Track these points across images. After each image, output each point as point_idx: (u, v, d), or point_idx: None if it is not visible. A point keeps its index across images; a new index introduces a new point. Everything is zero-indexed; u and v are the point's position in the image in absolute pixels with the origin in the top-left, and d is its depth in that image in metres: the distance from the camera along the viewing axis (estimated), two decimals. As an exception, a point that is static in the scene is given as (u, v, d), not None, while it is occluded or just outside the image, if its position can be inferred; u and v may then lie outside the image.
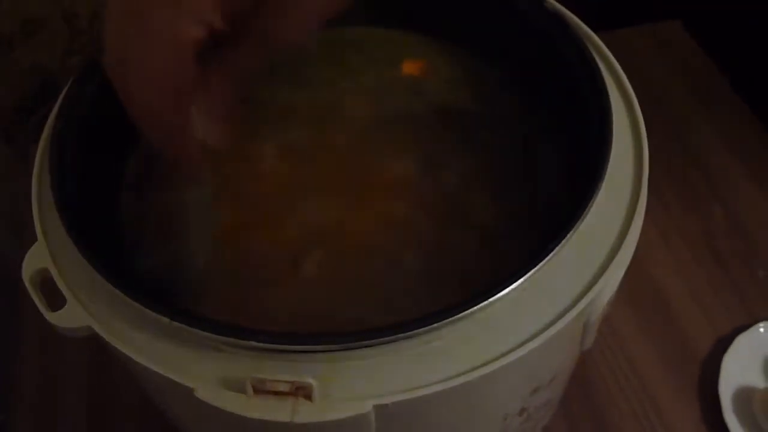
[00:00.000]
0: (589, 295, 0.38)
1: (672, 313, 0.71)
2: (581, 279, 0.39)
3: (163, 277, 0.45)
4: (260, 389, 0.34)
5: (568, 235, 0.38)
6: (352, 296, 0.45)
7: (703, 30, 0.92)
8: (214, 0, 0.32)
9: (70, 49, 0.93)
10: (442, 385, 0.35)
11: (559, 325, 0.37)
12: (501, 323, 0.37)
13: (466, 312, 0.35)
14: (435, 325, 0.35)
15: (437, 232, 0.47)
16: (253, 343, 0.35)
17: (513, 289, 0.36)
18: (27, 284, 0.40)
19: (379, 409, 0.34)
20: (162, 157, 0.50)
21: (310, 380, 0.34)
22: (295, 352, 0.35)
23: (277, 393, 0.34)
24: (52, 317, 0.39)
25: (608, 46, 0.48)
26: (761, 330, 0.67)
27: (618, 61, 0.48)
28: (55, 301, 0.40)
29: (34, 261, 0.41)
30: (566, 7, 0.49)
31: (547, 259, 0.37)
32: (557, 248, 0.37)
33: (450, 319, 0.35)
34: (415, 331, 0.35)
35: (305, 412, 0.34)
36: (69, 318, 0.39)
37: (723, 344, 0.67)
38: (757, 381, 0.65)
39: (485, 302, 0.36)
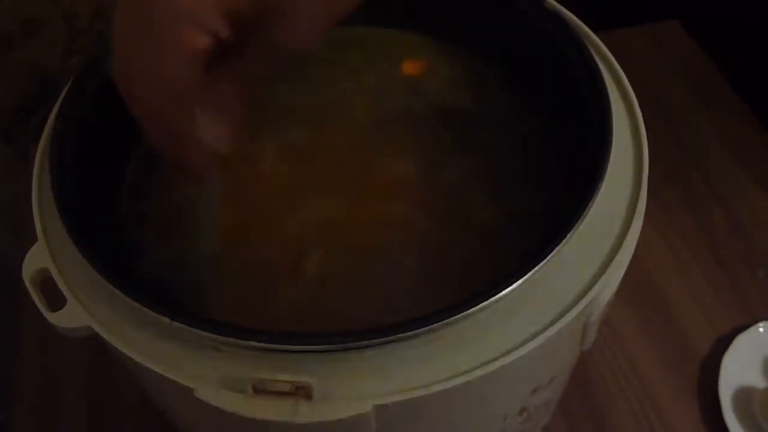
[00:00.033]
0: (589, 296, 0.38)
1: (672, 313, 0.71)
2: (581, 279, 0.39)
3: (163, 278, 0.45)
4: (260, 389, 0.34)
5: (568, 236, 0.38)
6: (352, 296, 0.45)
7: (702, 30, 0.93)
8: (219, 9, 0.32)
9: (70, 49, 0.93)
10: (442, 385, 0.35)
11: (559, 325, 0.37)
12: (501, 323, 0.37)
13: (467, 312, 0.35)
14: (435, 325, 0.35)
15: (437, 232, 0.47)
16: (254, 343, 0.35)
17: (513, 290, 0.36)
18: (27, 284, 0.40)
19: (380, 409, 0.35)
20: (162, 158, 0.50)
21: (310, 380, 0.34)
22: (295, 352, 0.35)
23: (277, 393, 0.34)
24: (52, 317, 0.39)
25: (608, 46, 0.48)
26: (761, 330, 0.67)
27: (617, 61, 0.48)
28: (56, 301, 0.40)
29: (35, 261, 0.41)
30: (566, 7, 0.49)
31: (547, 259, 0.37)
32: (557, 248, 0.37)
33: (450, 319, 0.35)
34: (416, 331, 0.35)
35: (305, 412, 0.34)
36: (69, 318, 0.39)
37: (723, 344, 0.67)
38: (756, 381, 0.65)
39: (485, 302, 0.36)
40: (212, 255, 0.46)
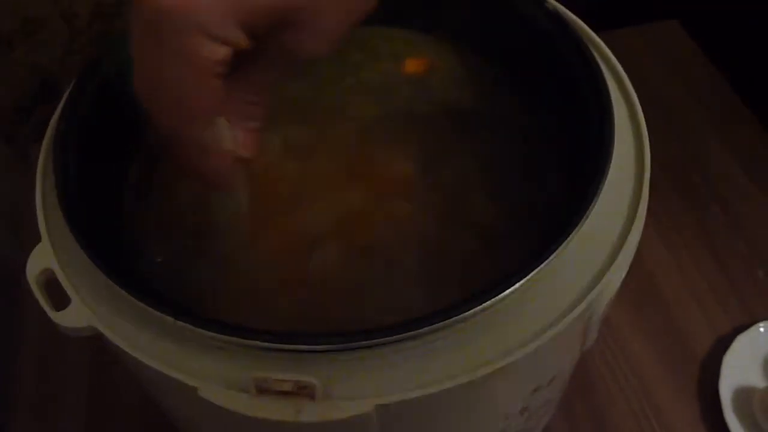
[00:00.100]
0: (591, 296, 0.38)
1: (672, 313, 0.71)
2: (582, 279, 0.39)
3: (166, 277, 0.45)
4: (263, 389, 0.34)
5: (570, 236, 0.38)
6: (352, 296, 0.45)
7: (702, 30, 0.93)
8: (236, 20, 0.32)
9: (70, 49, 0.93)
10: (445, 385, 0.35)
11: (561, 325, 0.37)
12: (503, 323, 0.37)
13: (469, 312, 0.35)
14: (438, 325, 0.35)
15: (438, 231, 0.47)
16: (257, 343, 0.35)
17: (515, 290, 0.36)
18: (31, 284, 0.40)
19: (382, 408, 0.35)
20: (164, 158, 0.50)
21: (314, 380, 0.34)
22: (298, 351, 0.35)
23: (280, 393, 0.34)
24: (56, 317, 0.39)
25: (608, 46, 0.48)
26: (761, 330, 0.67)
27: (617, 61, 0.48)
28: (57, 301, 0.40)
29: (38, 261, 0.41)
30: (566, 6, 0.49)
31: (549, 259, 0.37)
32: (559, 249, 0.37)
33: (453, 319, 0.35)
34: (418, 331, 0.35)
35: (308, 412, 0.34)
36: (73, 318, 0.39)
37: (723, 344, 0.67)
38: (757, 381, 0.65)
39: (487, 302, 0.36)
40: (213, 255, 0.46)
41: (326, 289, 0.45)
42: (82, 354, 0.70)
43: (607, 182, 0.40)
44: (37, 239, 0.41)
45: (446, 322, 0.35)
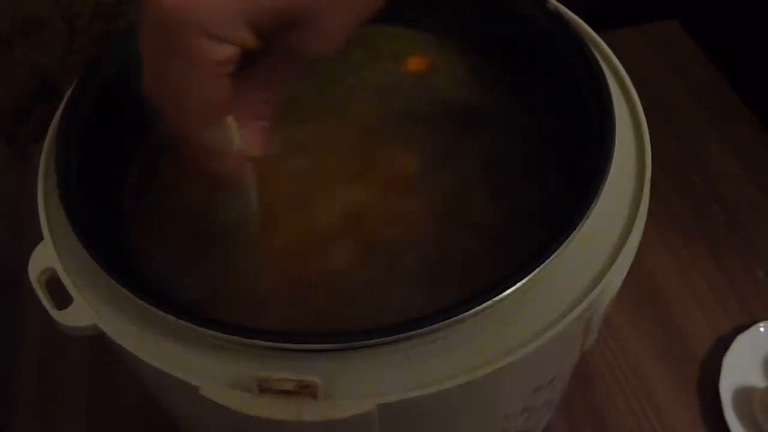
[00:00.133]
0: (592, 296, 0.38)
1: (672, 313, 0.71)
2: (583, 279, 0.39)
3: (168, 276, 0.45)
4: (265, 388, 0.34)
5: (571, 236, 0.38)
6: (353, 296, 0.45)
7: (702, 30, 0.93)
8: (243, 20, 0.32)
9: (70, 49, 0.93)
10: (446, 384, 0.35)
11: (562, 325, 0.37)
12: (504, 323, 0.37)
13: (471, 311, 0.36)
14: (439, 324, 0.35)
15: (439, 231, 0.47)
16: (259, 342, 0.35)
17: (516, 289, 0.36)
18: (33, 283, 0.40)
19: (384, 408, 0.35)
20: (165, 158, 0.50)
21: (316, 379, 0.34)
22: (300, 351, 0.35)
23: (282, 392, 0.34)
24: (58, 316, 0.39)
25: (608, 46, 0.48)
26: (761, 329, 0.67)
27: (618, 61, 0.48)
28: (58, 300, 0.40)
29: (40, 260, 0.41)
30: (566, 7, 0.49)
31: (549, 259, 0.37)
32: (560, 249, 0.37)
33: (454, 318, 0.35)
34: (420, 331, 0.35)
35: (310, 411, 0.34)
36: (76, 317, 0.39)
37: (723, 344, 0.67)
38: (757, 380, 0.65)
39: (489, 302, 0.36)
40: (215, 255, 0.46)
41: (327, 289, 0.45)
42: (82, 354, 0.70)
43: (607, 182, 0.40)
44: (38, 239, 0.41)
45: (448, 321, 0.35)
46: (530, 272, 0.37)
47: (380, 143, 0.51)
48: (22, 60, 0.92)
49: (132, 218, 0.48)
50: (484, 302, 0.36)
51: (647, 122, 0.45)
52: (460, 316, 0.35)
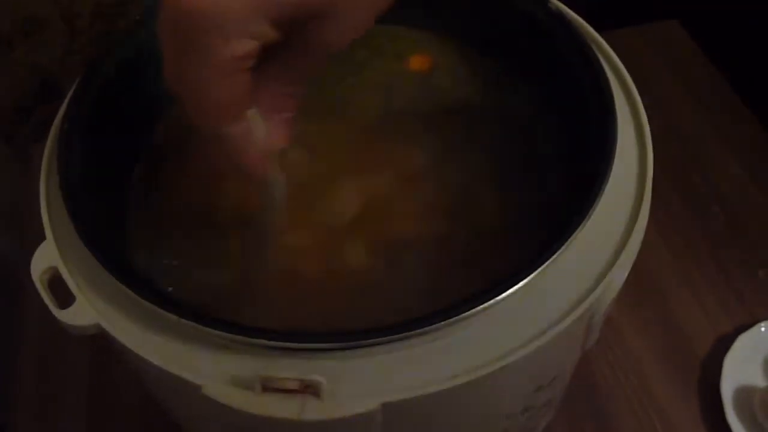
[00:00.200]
0: (594, 295, 0.38)
1: (673, 313, 0.71)
2: (585, 279, 0.39)
3: (171, 276, 0.45)
4: (268, 387, 0.34)
5: (572, 236, 0.38)
6: (354, 295, 0.45)
7: (702, 30, 0.93)
8: (263, 15, 0.32)
9: (70, 49, 0.93)
10: (449, 383, 0.35)
11: (563, 324, 0.37)
12: (506, 322, 0.37)
13: (472, 311, 0.36)
14: (442, 323, 0.35)
15: (440, 231, 0.47)
16: (262, 341, 0.35)
17: (518, 289, 0.36)
18: (36, 282, 0.40)
19: (387, 406, 0.35)
20: (168, 157, 0.50)
21: (319, 378, 0.34)
22: (303, 350, 0.35)
23: (285, 391, 0.34)
24: (60, 315, 0.39)
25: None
26: (762, 329, 0.67)
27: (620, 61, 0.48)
28: (61, 299, 0.40)
29: (43, 259, 0.41)
30: (567, 7, 0.49)
31: (551, 258, 0.37)
32: (562, 248, 0.37)
33: (457, 317, 0.35)
34: (423, 330, 0.35)
35: (313, 410, 0.34)
36: (78, 316, 0.39)
37: (724, 344, 0.67)
38: (758, 380, 0.65)
39: (492, 301, 0.36)
40: (216, 255, 0.46)
41: (330, 289, 0.45)
42: (82, 354, 0.70)
43: (609, 182, 0.40)
44: (38, 239, 0.41)
45: (452, 320, 0.35)
46: (532, 272, 0.37)
47: (381, 142, 0.51)
48: (22, 60, 0.92)
49: (134, 217, 0.48)
50: (485, 302, 0.36)
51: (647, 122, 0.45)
52: (462, 315, 0.35)
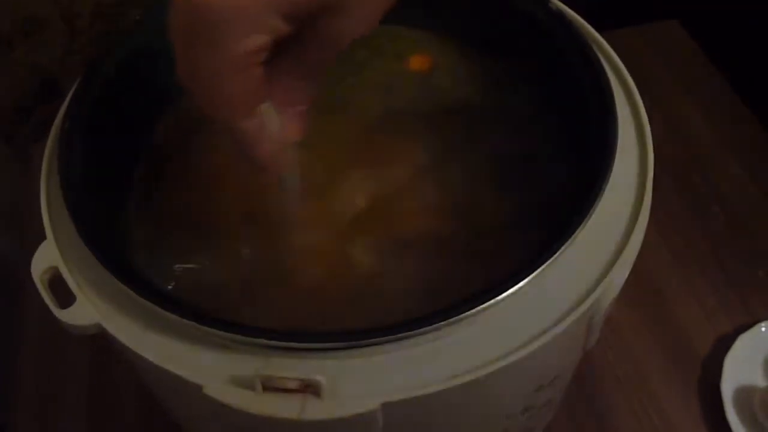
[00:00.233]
0: (594, 295, 0.38)
1: (673, 313, 0.71)
2: (586, 279, 0.39)
3: (172, 275, 0.45)
4: (269, 386, 0.34)
5: (573, 235, 0.38)
6: (355, 295, 0.45)
7: (702, 30, 0.93)
8: (275, 7, 0.32)
9: (70, 49, 0.93)
10: (450, 383, 0.35)
11: (564, 323, 0.37)
12: (507, 322, 0.37)
13: (473, 310, 0.36)
14: (442, 323, 0.35)
15: (440, 230, 0.47)
16: (263, 341, 0.35)
17: (519, 288, 0.37)
18: (36, 282, 0.40)
19: (387, 406, 0.35)
20: (168, 156, 0.50)
21: (319, 378, 0.34)
22: (304, 350, 0.35)
23: (285, 390, 0.34)
24: (61, 315, 0.39)
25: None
26: (762, 329, 0.67)
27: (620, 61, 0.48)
28: (61, 299, 0.40)
29: (43, 259, 0.41)
30: (567, 6, 0.49)
31: (552, 258, 0.37)
32: (562, 248, 0.38)
33: (457, 317, 0.35)
34: (423, 330, 0.35)
35: (313, 410, 0.34)
36: (79, 316, 0.39)
37: (724, 343, 0.67)
38: (758, 380, 0.65)
39: (492, 301, 0.36)
40: (219, 254, 0.46)
41: (327, 288, 0.45)
42: (82, 354, 0.70)
43: (609, 182, 0.40)
44: (38, 239, 0.41)
45: (452, 320, 0.35)
46: (531, 272, 0.37)
47: (381, 142, 0.51)
48: (22, 60, 0.92)
49: (135, 217, 0.48)
50: (485, 302, 0.36)
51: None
52: (462, 315, 0.35)
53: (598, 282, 0.39)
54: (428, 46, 0.56)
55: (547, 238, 0.39)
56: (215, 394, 0.35)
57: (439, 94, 0.54)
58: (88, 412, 0.68)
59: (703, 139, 0.84)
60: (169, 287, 0.44)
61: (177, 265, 0.46)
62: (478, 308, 0.36)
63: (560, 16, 0.48)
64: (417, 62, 0.56)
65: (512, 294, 0.36)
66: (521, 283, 0.37)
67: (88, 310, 0.39)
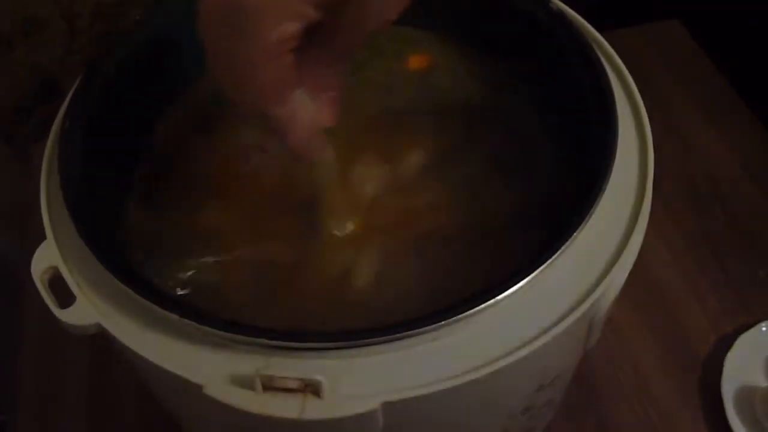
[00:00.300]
0: (594, 295, 0.38)
1: (674, 313, 0.71)
2: (586, 278, 0.39)
3: (172, 275, 0.45)
4: (269, 386, 0.34)
5: (573, 235, 0.38)
6: (355, 295, 0.45)
7: (703, 30, 0.93)
8: None
9: (70, 49, 0.93)
10: (450, 383, 0.35)
11: (564, 324, 0.37)
12: (508, 321, 0.37)
13: (474, 310, 0.36)
14: (443, 322, 0.35)
15: (440, 230, 0.47)
16: (263, 341, 0.35)
17: (519, 288, 0.37)
18: (36, 282, 0.40)
19: (387, 406, 0.35)
20: (167, 157, 0.50)
21: (319, 378, 0.34)
22: (304, 349, 0.35)
23: (286, 390, 0.34)
24: (61, 314, 0.39)
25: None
26: (763, 329, 0.67)
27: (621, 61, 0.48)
28: (61, 299, 0.40)
29: (43, 259, 0.41)
30: (567, 6, 0.49)
31: (553, 258, 0.37)
32: (563, 248, 0.38)
33: (458, 317, 0.35)
34: (423, 330, 0.35)
35: (314, 409, 0.34)
36: (78, 315, 0.39)
37: (725, 344, 0.67)
38: (759, 380, 0.65)
39: (492, 300, 0.36)
40: (219, 253, 0.46)
41: (327, 288, 0.45)
42: (82, 354, 0.70)
43: (610, 182, 0.40)
44: (38, 239, 0.41)
45: (452, 320, 0.35)
46: (532, 272, 0.37)
47: (380, 142, 0.51)
48: (22, 60, 0.92)
49: (134, 217, 0.48)
50: (485, 302, 0.36)
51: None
52: (462, 315, 0.35)
53: (598, 282, 0.39)
54: (428, 46, 0.56)
55: (547, 238, 0.39)
56: (215, 394, 0.35)
57: (439, 94, 0.54)
58: (88, 412, 0.68)
59: (703, 139, 0.84)
60: (169, 287, 0.44)
61: (177, 266, 0.46)
62: (478, 308, 0.36)
63: (560, 16, 0.48)
64: (417, 62, 0.56)
65: (512, 294, 0.36)
66: (521, 283, 0.37)
67: (88, 310, 0.39)
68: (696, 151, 0.83)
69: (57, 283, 0.40)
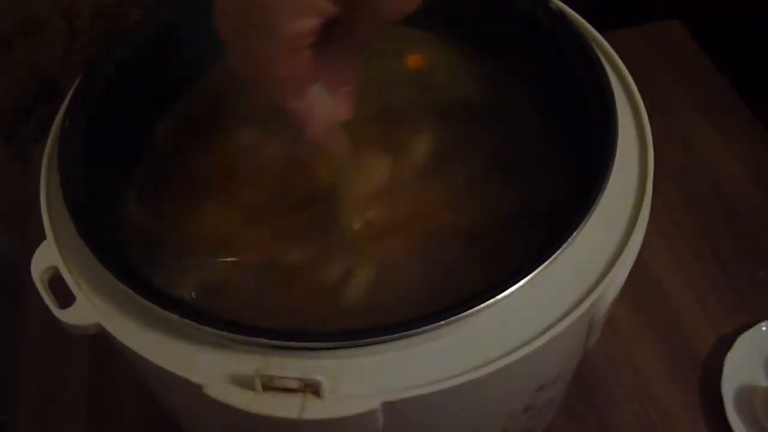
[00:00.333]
0: (593, 295, 0.38)
1: (674, 313, 0.71)
2: (586, 278, 0.39)
3: (172, 275, 0.45)
4: (269, 386, 0.34)
5: (573, 235, 0.38)
6: (355, 294, 0.45)
7: (703, 30, 0.93)
8: None
9: (70, 49, 0.93)
10: (450, 383, 0.35)
11: (564, 324, 0.37)
12: (507, 321, 0.37)
13: (474, 310, 0.36)
14: (442, 323, 0.35)
15: (440, 230, 0.47)
16: (263, 341, 0.35)
17: (519, 288, 0.37)
18: (36, 282, 0.40)
19: (387, 406, 0.35)
20: (167, 157, 0.50)
21: (319, 377, 0.34)
22: (304, 349, 0.35)
23: (285, 390, 0.34)
24: (61, 314, 0.39)
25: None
26: (763, 329, 0.67)
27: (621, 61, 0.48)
28: (61, 299, 0.40)
29: (43, 259, 0.41)
30: (567, 6, 0.49)
31: (552, 258, 0.37)
32: (563, 247, 0.38)
33: (458, 317, 0.35)
34: (423, 329, 0.35)
35: (313, 409, 0.34)
36: (78, 315, 0.39)
37: (725, 343, 0.67)
38: (759, 380, 0.65)
39: (492, 300, 0.36)
40: (219, 253, 0.46)
41: (327, 288, 0.45)
42: (82, 354, 0.70)
43: (610, 182, 0.40)
44: (38, 239, 0.41)
45: (452, 319, 0.35)
46: (531, 272, 0.37)
47: (380, 142, 0.51)
48: (22, 60, 0.92)
49: (135, 217, 0.48)
50: (485, 301, 0.36)
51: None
52: (462, 315, 0.35)
53: (598, 282, 0.39)
54: (428, 46, 0.56)
55: (547, 238, 0.39)
56: (215, 394, 0.35)
57: (439, 94, 0.54)
58: (88, 412, 0.68)
59: (703, 139, 0.84)
60: (169, 287, 0.44)
61: (177, 266, 0.46)
62: (478, 308, 0.36)
63: (560, 15, 0.48)
64: (416, 62, 0.56)
65: (512, 294, 0.36)
66: (521, 283, 0.37)
67: (88, 310, 0.39)
68: (696, 151, 0.83)
69: (57, 283, 0.40)
